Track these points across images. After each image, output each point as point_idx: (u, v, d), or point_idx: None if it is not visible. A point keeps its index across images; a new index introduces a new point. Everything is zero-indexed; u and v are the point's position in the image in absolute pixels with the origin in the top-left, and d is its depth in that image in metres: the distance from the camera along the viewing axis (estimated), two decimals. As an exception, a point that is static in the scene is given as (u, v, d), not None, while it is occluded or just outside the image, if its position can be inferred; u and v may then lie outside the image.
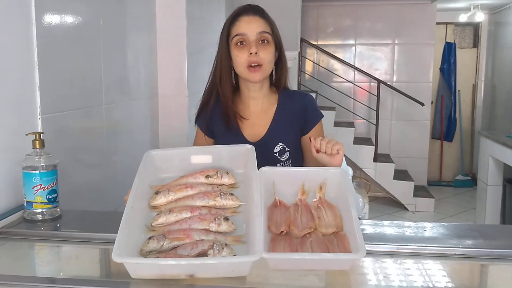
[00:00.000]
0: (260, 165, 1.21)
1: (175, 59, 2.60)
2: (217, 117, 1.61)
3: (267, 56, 1.49)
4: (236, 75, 1.58)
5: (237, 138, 1.58)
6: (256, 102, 1.60)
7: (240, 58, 1.49)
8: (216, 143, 1.64)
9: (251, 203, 1.09)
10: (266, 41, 1.50)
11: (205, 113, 1.64)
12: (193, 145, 1.70)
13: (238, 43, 1.50)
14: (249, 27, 1.49)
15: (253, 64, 1.48)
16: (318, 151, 1.39)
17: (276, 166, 1.54)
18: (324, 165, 1.40)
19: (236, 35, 1.50)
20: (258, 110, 1.60)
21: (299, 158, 1.61)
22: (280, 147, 1.55)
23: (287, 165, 1.56)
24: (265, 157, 1.51)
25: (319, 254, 0.99)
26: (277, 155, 1.55)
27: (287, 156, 1.56)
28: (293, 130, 1.58)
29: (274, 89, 1.63)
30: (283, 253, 1.00)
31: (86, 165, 1.84)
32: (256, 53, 1.47)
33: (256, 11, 1.53)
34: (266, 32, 1.50)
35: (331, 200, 1.18)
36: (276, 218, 1.12)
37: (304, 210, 1.15)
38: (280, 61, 1.60)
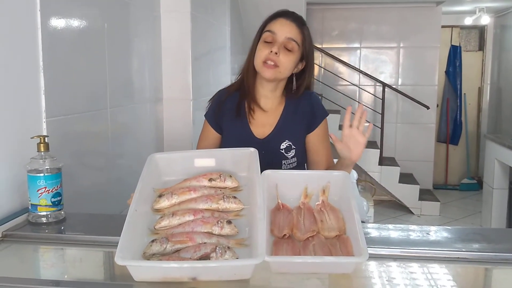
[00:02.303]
0: (266, 161, 1.22)
1: (179, 63, 2.61)
2: (228, 110, 1.62)
3: (286, 61, 1.52)
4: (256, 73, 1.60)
5: (245, 132, 1.59)
6: (267, 101, 1.62)
7: (261, 53, 1.52)
8: (223, 136, 1.65)
9: (254, 206, 1.09)
10: (290, 49, 1.52)
11: (217, 106, 1.65)
12: (199, 138, 1.71)
13: (266, 41, 1.53)
14: (282, 28, 1.52)
15: (269, 62, 1.51)
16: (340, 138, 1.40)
17: (282, 162, 1.56)
18: (342, 157, 1.42)
19: (267, 31, 1.54)
20: (267, 109, 1.62)
21: (305, 157, 1.63)
22: (287, 144, 1.57)
23: (292, 163, 1.58)
24: (272, 154, 1.54)
25: (322, 257, 0.99)
26: (283, 151, 1.57)
27: (293, 154, 1.58)
28: (300, 128, 1.60)
29: (285, 92, 1.65)
30: (286, 256, 1.00)
31: (90, 168, 1.85)
32: (276, 53, 1.50)
33: (295, 19, 1.56)
34: (294, 41, 1.52)
35: (334, 204, 1.18)
36: (278, 221, 1.12)
37: (307, 214, 1.15)
38: (304, 73, 1.62)
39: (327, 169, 1.59)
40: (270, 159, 1.47)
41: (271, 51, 1.50)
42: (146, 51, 2.41)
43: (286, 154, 1.57)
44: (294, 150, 1.58)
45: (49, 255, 1.21)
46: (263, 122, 1.61)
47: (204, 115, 1.69)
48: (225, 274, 0.95)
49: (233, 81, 1.69)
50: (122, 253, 0.92)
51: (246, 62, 1.62)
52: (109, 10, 1.96)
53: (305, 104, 1.62)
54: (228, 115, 1.62)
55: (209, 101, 1.70)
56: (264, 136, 1.59)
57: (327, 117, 1.64)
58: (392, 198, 6.01)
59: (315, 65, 6.13)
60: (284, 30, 1.52)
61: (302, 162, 1.63)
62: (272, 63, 1.50)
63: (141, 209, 1.10)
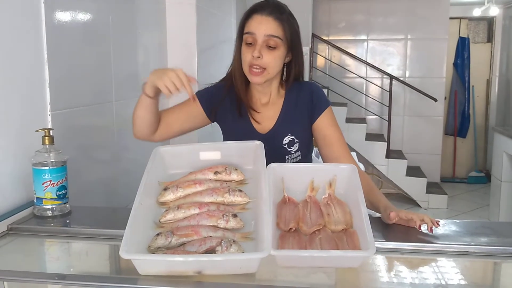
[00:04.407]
0: (269, 157, 1.20)
1: (185, 55, 2.60)
2: (230, 105, 1.58)
3: (271, 61, 1.45)
4: None
5: (248, 128, 1.56)
6: (265, 96, 1.59)
7: (245, 57, 1.46)
8: (226, 131, 1.62)
9: (259, 200, 1.08)
10: (273, 46, 1.44)
11: (216, 94, 1.60)
12: (172, 107, 1.61)
13: (247, 42, 1.46)
14: (259, 27, 1.44)
15: (254, 68, 1.45)
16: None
17: (285, 157, 1.54)
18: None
19: (246, 33, 1.46)
20: (266, 103, 1.59)
21: (309, 150, 1.61)
22: (289, 138, 1.54)
23: (296, 157, 1.55)
24: (274, 149, 1.51)
25: (328, 251, 0.98)
26: (286, 146, 1.54)
27: (296, 148, 1.54)
28: (302, 121, 1.57)
29: (283, 84, 1.62)
30: (292, 250, 0.99)
31: (96, 162, 1.85)
32: (259, 56, 1.43)
33: (271, 11, 1.45)
34: (274, 36, 1.44)
35: (341, 197, 1.17)
36: (285, 215, 1.11)
37: (313, 207, 1.14)
38: (293, 62, 1.56)
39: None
40: (273, 154, 1.43)
41: (253, 56, 1.43)
42: (151, 43, 2.40)
43: (289, 149, 1.54)
44: (297, 143, 1.55)
45: (54, 249, 1.21)
46: (264, 116, 1.58)
47: (196, 93, 1.58)
48: (231, 268, 0.94)
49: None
50: (127, 246, 0.92)
51: (232, 65, 1.55)
52: (114, 3, 1.95)
53: (305, 95, 1.57)
54: (230, 115, 1.59)
55: (208, 87, 1.63)
56: (266, 131, 1.56)
57: (330, 107, 1.58)
58: (399, 191, 5.99)
59: (322, 57, 5.98)
60: (261, 29, 1.42)
61: (308, 154, 1.60)
62: (258, 69, 1.44)
63: (146, 202, 1.10)
